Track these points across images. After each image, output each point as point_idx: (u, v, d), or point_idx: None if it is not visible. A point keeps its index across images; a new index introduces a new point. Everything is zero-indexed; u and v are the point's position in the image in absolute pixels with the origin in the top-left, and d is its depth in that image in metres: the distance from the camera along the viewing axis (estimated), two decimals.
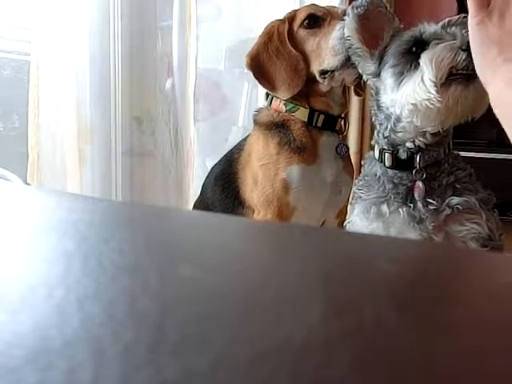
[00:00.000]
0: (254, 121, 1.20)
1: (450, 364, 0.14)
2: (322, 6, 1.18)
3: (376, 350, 0.15)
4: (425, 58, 0.77)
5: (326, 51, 1.09)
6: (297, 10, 1.19)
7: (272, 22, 1.18)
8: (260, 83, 1.17)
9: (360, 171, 0.97)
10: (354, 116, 2.42)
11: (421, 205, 0.83)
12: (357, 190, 0.92)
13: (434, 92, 0.76)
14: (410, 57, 0.80)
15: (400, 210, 0.84)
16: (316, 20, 1.12)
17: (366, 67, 0.88)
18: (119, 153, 1.66)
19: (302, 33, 1.13)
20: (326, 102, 1.14)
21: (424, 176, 0.84)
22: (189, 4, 1.79)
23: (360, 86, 1.24)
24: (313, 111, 1.13)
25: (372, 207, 0.86)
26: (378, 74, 0.86)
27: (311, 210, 1.14)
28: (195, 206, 1.36)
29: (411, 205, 0.84)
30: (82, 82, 1.55)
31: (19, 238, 0.25)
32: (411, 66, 0.80)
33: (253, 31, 2.18)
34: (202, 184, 1.36)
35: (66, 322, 0.15)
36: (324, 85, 1.12)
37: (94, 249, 0.23)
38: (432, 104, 0.77)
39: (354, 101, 2.26)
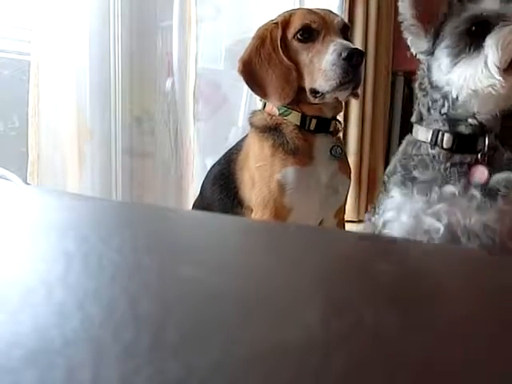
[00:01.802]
0: (250, 123, 1.20)
1: (449, 364, 0.14)
2: (319, 12, 1.13)
3: (375, 350, 0.15)
4: (491, 42, 0.73)
5: (317, 73, 1.06)
6: (291, 13, 1.15)
7: (265, 25, 1.15)
8: (252, 89, 1.15)
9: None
10: (353, 117, 2.42)
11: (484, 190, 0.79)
12: (402, 172, 0.85)
13: (498, 78, 0.73)
14: (469, 38, 0.76)
15: (471, 191, 0.79)
16: (310, 33, 1.08)
17: (419, 44, 0.83)
18: (119, 152, 1.66)
19: (295, 44, 1.10)
20: (318, 108, 1.13)
21: (486, 160, 0.79)
22: (189, 4, 1.79)
23: (356, 92, 1.23)
24: (305, 116, 1.12)
25: (434, 188, 0.81)
26: (431, 52, 0.82)
27: (308, 211, 1.14)
28: (195, 206, 1.36)
29: (476, 190, 0.79)
30: (82, 82, 1.55)
31: (19, 238, 0.25)
32: (470, 48, 0.75)
33: (252, 31, 2.18)
34: (201, 184, 1.36)
35: (65, 322, 0.15)
36: (313, 100, 1.12)
37: (94, 249, 0.23)
38: (495, 90, 0.74)
39: (354, 101, 2.26)
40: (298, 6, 2.18)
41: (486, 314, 0.19)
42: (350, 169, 1.24)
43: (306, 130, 1.12)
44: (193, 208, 1.38)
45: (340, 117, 1.22)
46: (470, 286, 0.22)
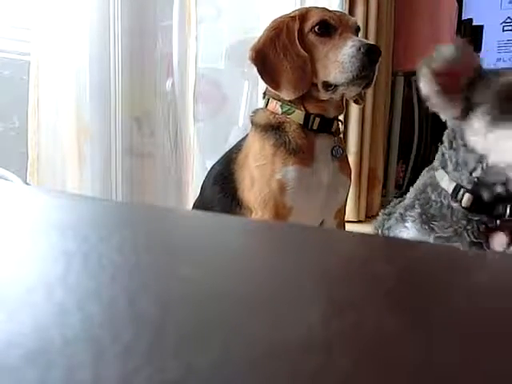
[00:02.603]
0: (251, 122, 1.20)
1: (448, 364, 0.14)
2: (335, 11, 1.15)
3: (375, 349, 0.15)
4: None
5: (333, 65, 1.07)
6: (308, 9, 1.15)
7: (281, 18, 1.15)
8: (263, 79, 1.14)
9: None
10: (353, 117, 2.42)
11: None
12: (422, 217, 0.83)
13: None
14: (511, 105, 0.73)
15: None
16: (327, 28, 1.10)
17: (449, 113, 0.79)
18: (119, 153, 1.66)
19: (311, 37, 1.11)
20: (322, 106, 1.14)
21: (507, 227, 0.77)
22: (189, 4, 1.79)
23: (361, 96, 1.24)
24: (308, 114, 1.12)
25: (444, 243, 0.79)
26: (464, 116, 0.78)
27: (308, 211, 1.14)
28: (195, 206, 1.36)
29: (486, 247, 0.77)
30: (82, 82, 1.55)
31: (19, 238, 0.25)
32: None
33: (253, 31, 2.18)
34: (201, 184, 1.36)
35: (65, 322, 0.15)
36: (323, 94, 1.12)
37: (94, 249, 0.23)
38: None
39: None
40: (298, 6, 2.19)
41: (487, 315, 0.19)
42: (350, 169, 1.24)
43: (308, 129, 1.12)
44: (193, 208, 1.38)
45: (340, 117, 1.23)
46: (472, 286, 0.22)
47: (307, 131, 1.12)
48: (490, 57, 2.76)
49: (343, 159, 1.19)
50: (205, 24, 2.02)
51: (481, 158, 0.77)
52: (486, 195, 0.79)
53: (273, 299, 0.19)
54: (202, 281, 0.20)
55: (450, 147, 0.83)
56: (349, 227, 1.80)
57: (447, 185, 0.82)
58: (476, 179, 0.79)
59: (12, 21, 1.58)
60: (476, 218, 0.79)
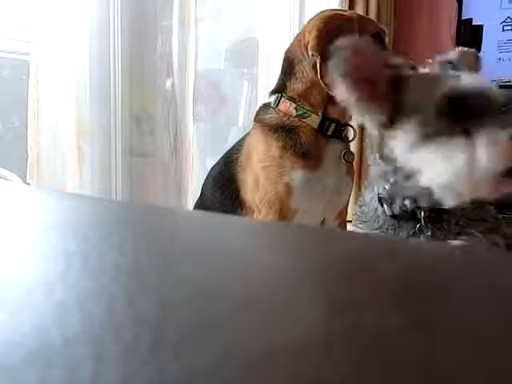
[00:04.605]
0: (257, 119, 1.16)
1: (449, 363, 0.14)
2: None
3: (376, 349, 0.15)
4: (484, 144, 0.59)
5: None
6: (362, 16, 1.17)
7: (334, 13, 1.13)
8: (320, 73, 1.06)
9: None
10: (354, 117, 2.42)
11: None
12: (354, 223, 0.81)
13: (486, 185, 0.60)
14: (448, 121, 0.63)
15: None
16: (380, 40, 1.12)
17: (372, 120, 0.71)
18: (119, 153, 1.66)
19: None
20: (341, 111, 1.13)
21: (429, 232, 0.72)
22: (188, 4, 1.79)
23: None
24: (324, 119, 1.11)
25: None
26: (389, 125, 0.69)
27: (312, 212, 1.14)
28: (196, 207, 1.36)
29: None
30: (81, 82, 1.55)
31: (19, 238, 0.25)
32: (448, 133, 0.62)
33: (252, 31, 2.18)
34: (201, 184, 1.35)
35: (65, 322, 0.15)
36: None
37: (94, 249, 0.23)
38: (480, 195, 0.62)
39: None
40: (298, 6, 2.18)
41: (487, 315, 0.19)
42: (354, 171, 1.24)
43: (323, 134, 1.10)
44: (194, 209, 1.38)
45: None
46: (472, 285, 0.22)
47: (320, 136, 1.11)
48: (489, 57, 2.76)
49: (350, 162, 1.19)
50: (204, 24, 2.02)
51: (397, 170, 0.70)
52: (395, 208, 0.74)
53: (273, 299, 0.19)
54: (202, 281, 0.20)
55: (372, 158, 0.77)
56: (350, 227, 1.79)
57: (375, 193, 0.78)
58: (389, 190, 0.74)
59: (12, 21, 1.58)
60: (399, 224, 0.75)
